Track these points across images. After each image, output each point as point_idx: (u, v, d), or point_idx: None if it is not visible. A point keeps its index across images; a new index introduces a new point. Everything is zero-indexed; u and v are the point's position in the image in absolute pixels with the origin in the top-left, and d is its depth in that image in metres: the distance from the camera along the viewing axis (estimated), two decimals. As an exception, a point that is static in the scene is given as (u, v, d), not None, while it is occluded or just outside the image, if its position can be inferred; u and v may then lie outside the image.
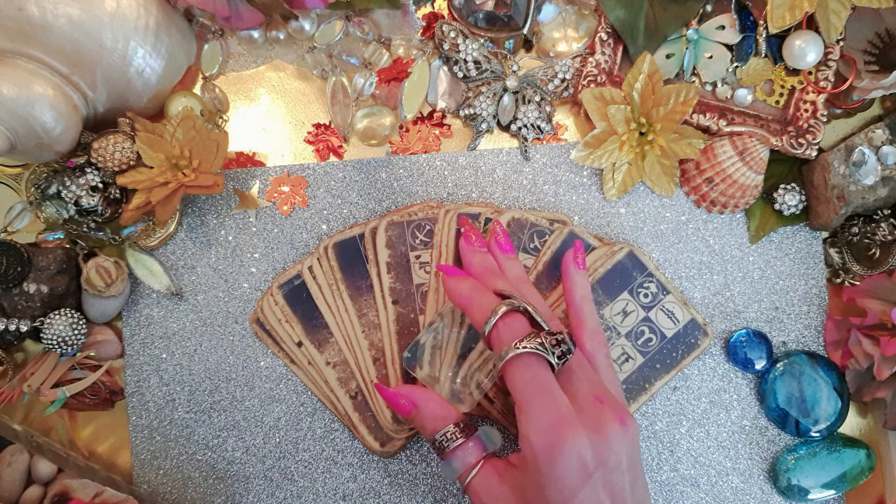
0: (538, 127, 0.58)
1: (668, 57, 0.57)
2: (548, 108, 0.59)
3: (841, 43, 0.57)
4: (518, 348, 0.44)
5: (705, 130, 0.58)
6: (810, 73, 0.57)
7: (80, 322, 0.54)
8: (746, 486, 0.57)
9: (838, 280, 0.59)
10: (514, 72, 0.58)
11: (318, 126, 0.59)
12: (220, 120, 0.59)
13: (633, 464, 0.44)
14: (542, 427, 0.43)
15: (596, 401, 0.45)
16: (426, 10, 0.59)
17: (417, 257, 0.56)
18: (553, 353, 0.44)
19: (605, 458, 0.42)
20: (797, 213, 0.58)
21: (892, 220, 0.57)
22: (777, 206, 0.58)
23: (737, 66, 0.57)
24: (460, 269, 0.52)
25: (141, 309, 0.57)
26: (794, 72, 0.57)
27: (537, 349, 0.44)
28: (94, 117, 0.55)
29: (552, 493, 0.42)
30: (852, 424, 0.58)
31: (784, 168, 0.59)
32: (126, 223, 0.56)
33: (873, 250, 0.58)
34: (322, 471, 0.56)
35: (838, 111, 0.59)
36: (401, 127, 0.59)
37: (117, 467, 0.57)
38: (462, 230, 0.54)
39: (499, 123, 0.59)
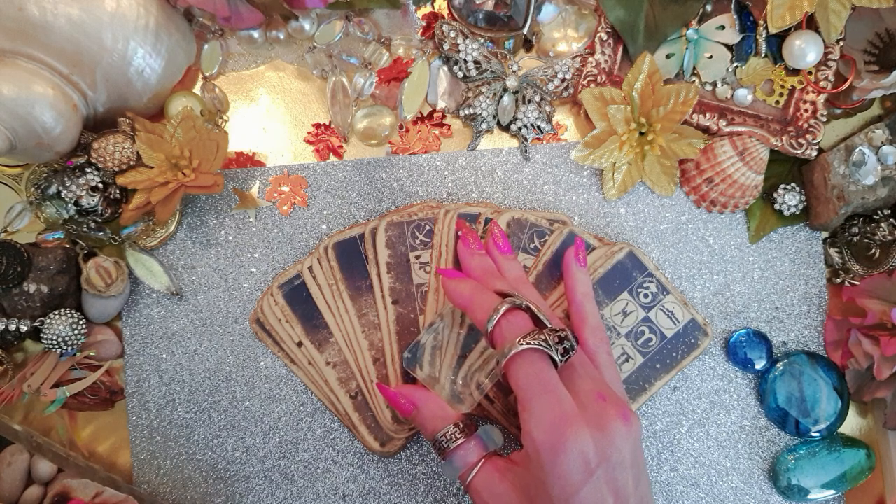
0: (538, 127, 0.58)
1: (668, 57, 0.57)
2: (548, 108, 0.59)
3: (841, 43, 0.57)
4: (521, 345, 0.44)
5: (705, 130, 0.58)
6: (810, 73, 0.57)
7: (80, 322, 0.54)
8: (746, 486, 0.57)
9: (838, 280, 0.59)
10: (514, 72, 0.58)
11: (318, 126, 0.59)
12: (220, 120, 0.59)
13: (636, 461, 0.44)
14: (545, 424, 0.43)
15: (599, 398, 0.45)
16: (426, 10, 0.59)
17: (417, 257, 0.56)
18: (556, 350, 0.44)
19: (608, 455, 0.43)
20: (797, 213, 0.58)
21: (892, 220, 0.57)
22: (777, 206, 0.58)
23: (737, 66, 0.57)
24: (459, 271, 0.53)
25: (141, 309, 0.57)
26: (794, 72, 0.57)
27: (541, 345, 0.44)
28: (94, 117, 0.55)
29: (555, 490, 0.42)
30: (852, 424, 0.58)
31: (784, 168, 0.59)
32: (126, 223, 0.56)
33: (873, 250, 0.58)
34: (322, 471, 0.56)
35: (838, 111, 0.59)
36: (401, 127, 0.59)
37: (117, 467, 0.57)
38: (459, 233, 0.54)
39: (499, 123, 0.59)
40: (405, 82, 0.58)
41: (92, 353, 0.56)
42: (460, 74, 0.58)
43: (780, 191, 0.58)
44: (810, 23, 0.56)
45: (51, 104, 0.50)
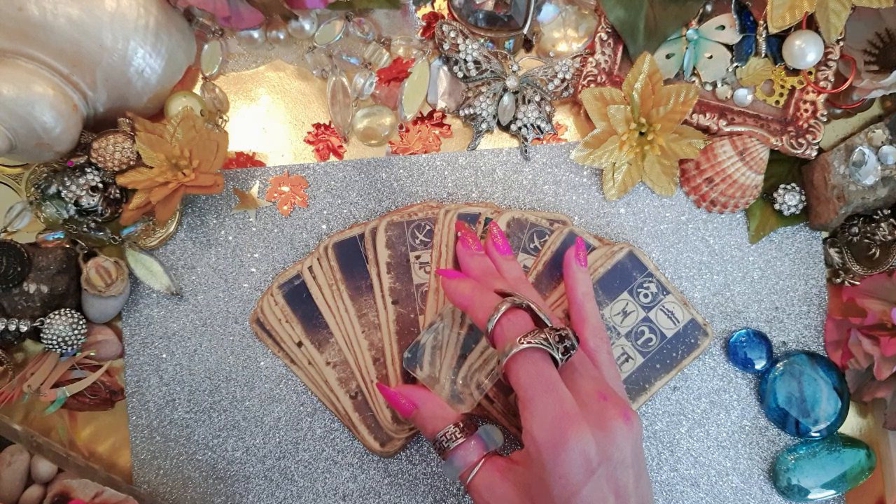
0: (538, 127, 0.58)
1: (668, 57, 0.57)
2: (548, 108, 0.59)
3: (841, 43, 0.57)
4: (522, 343, 0.44)
5: (705, 130, 0.58)
6: (810, 73, 0.57)
7: (80, 322, 0.54)
8: (746, 486, 0.57)
9: (838, 280, 0.59)
10: (514, 72, 0.58)
11: (318, 126, 0.59)
12: (220, 120, 0.59)
13: (637, 459, 0.44)
14: (546, 423, 0.43)
15: (599, 397, 0.45)
16: (426, 10, 0.59)
17: (417, 257, 0.56)
18: (557, 349, 0.44)
19: (609, 454, 0.43)
20: (797, 213, 0.58)
21: (892, 220, 0.57)
22: (777, 206, 0.58)
23: (737, 66, 0.57)
24: (459, 271, 0.53)
25: (141, 309, 0.57)
26: (794, 72, 0.57)
27: (542, 344, 0.44)
28: (94, 117, 0.55)
29: (556, 489, 0.42)
30: (852, 424, 0.58)
31: (784, 168, 0.59)
32: (126, 223, 0.56)
33: (873, 250, 0.58)
34: (322, 471, 0.56)
35: (838, 111, 0.59)
36: (401, 127, 0.59)
37: (117, 467, 0.57)
38: (459, 234, 0.54)
39: (499, 123, 0.59)
40: (405, 82, 0.58)
41: (92, 353, 0.56)
42: (460, 74, 0.58)
43: (780, 191, 0.58)
44: (810, 23, 0.56)
45: (51, 104, 0.50)
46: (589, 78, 0.57)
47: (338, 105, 0.58)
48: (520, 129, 0.58)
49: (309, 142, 0.59)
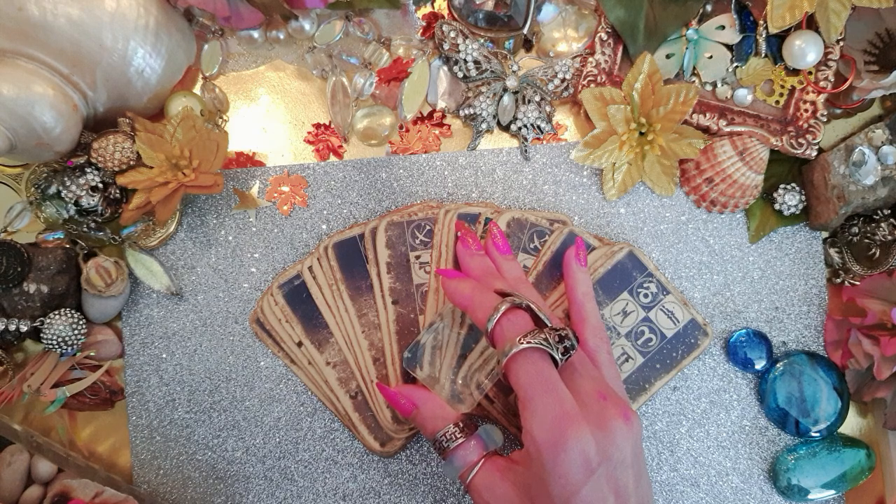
0: (538, 127, 0.58)
1: (668, 57, 0.57)
2: (548, 108, 0.59)
3: (841, 43, 0.57)
4: (522, 344, 0.44)
5: (705, 130, 0.58)
6: (810, 73, 0.57)
7: (80, 322, 0.54)
8: (746, 486, 0.57)
9: (838, 280, 0.59)
10: (514, 72, 0.58)
11: (318, 126, 0.59)
12: (220, 120, 0.59)
13: (637, 459, 0.44)
14: (545, 423, 0.43)
15: (599, 397, 0.45)
16: (426, 10, 0.59)
17: (417, 257, 0.56)
18: (557, 349, 0.44)
19: (609, 454, 0.43)
20: (797, 213, 0.58)
21: (892, 220, 0.57)
22: (777, 206, 0.58)
23: (737, 66, 0.57)
24: (459, 271, 0.53)
25: (141, 309, 0.57)
26: (794, 72, 0.57)
27: (542, 344, 0.44)
28: (94, 117, 0.55)
29: (556, 489, 0.42)
30: (852, 424, 0.58)
31: (784, 168, 0.59)
32: (126, 223, 0.56)
33: (873, 250, 0.58)
34: (322, 471, 0.56)
35: (838, 111, 0.59)
36: (401, 127, 0.59)
37: (117, 467, 0.57)
38: (459, 234, 0.54)
39: (499, 123, 0.59)
40: (405, 82, 0.58)
41: (92, 353, 0.56)
42: (460, 74, 0.58)
43: (780, 191, 0.58)
44: (810, 23, 0.56)
45: (51, 104, 0.50)
46: (589, 78, 0.57)
47: (338, 105, 0.58)
48: (520, 129, 0.58)
49: (309, 142, 0.59)
